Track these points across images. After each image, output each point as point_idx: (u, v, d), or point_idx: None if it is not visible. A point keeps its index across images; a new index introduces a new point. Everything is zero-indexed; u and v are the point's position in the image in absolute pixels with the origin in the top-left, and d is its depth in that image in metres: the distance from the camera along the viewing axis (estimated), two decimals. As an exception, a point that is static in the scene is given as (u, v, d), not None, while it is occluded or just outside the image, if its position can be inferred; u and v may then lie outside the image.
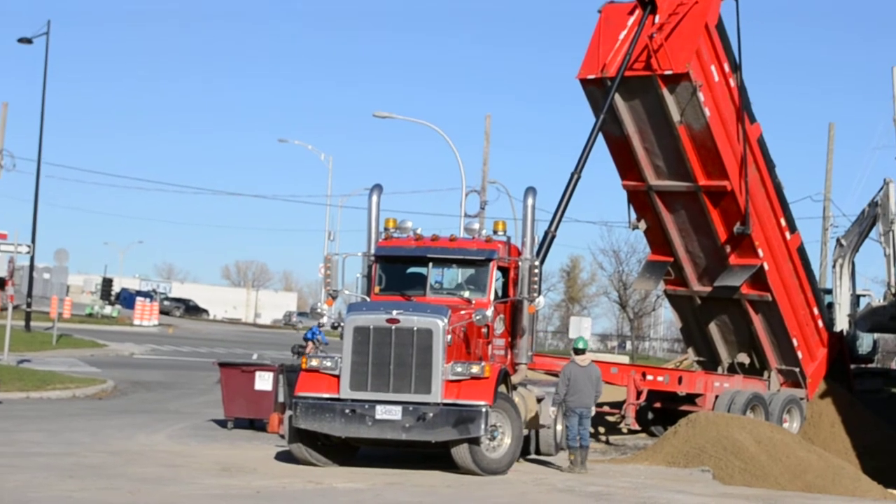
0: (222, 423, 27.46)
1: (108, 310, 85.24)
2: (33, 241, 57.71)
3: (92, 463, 20.18)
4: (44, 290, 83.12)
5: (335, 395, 20.21)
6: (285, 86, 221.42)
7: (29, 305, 59.13)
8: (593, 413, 22.20)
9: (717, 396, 30.24)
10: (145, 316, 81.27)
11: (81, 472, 18.85)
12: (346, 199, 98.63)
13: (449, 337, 20.07)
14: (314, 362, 20.58)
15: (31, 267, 61.63)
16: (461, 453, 20.01)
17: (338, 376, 20.29)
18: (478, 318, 20.89)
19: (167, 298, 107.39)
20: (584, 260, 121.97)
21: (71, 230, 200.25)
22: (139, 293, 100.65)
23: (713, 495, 20.00)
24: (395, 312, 20.20)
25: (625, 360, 54.71)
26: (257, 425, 26.57)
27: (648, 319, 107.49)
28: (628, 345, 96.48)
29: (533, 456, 23.78)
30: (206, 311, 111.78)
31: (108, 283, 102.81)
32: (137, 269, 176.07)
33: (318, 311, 23.69)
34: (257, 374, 26.43)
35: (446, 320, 20.13)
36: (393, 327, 20.05)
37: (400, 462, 21.44)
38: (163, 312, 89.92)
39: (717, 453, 23.65)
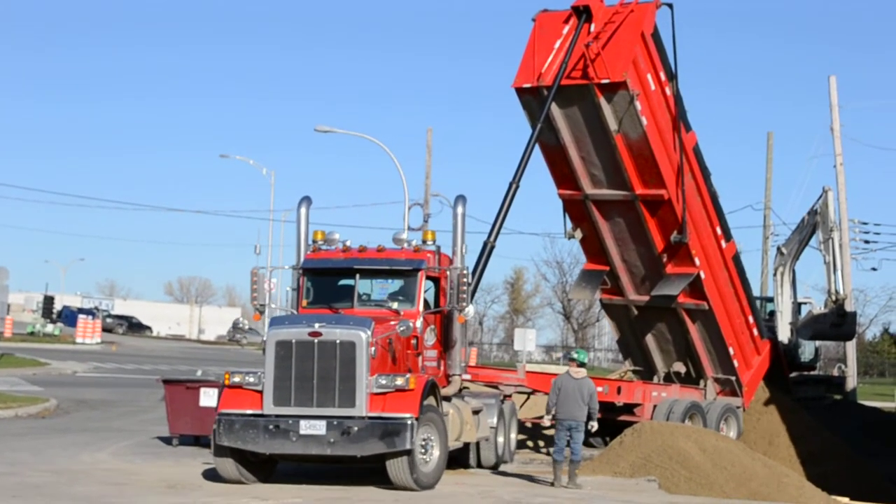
0: (167, 441, 27.37)
1: (49, 328, 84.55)
2: (-29, 259, 57.30)
3: (36, 482, 20.05)
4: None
5: (258, 411, 19.85)
6: (226, 101, 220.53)
7: (-31, 325, 58.69)
8: (594, 427, 21.67)
9: (655, 406, 30.34)
10: (88, 334, 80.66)
11: (25, 492, 18.72)
12: (287, 213, 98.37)
13: (373, 349, 19.74)
14: (237, 378, 20.19)
15: (-29, 285, 61.12)
16: (398, 467, 19.65)
17: (261, 392, 19.93)
18: (402, 329, 20.56)
19: (110, 316, 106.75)
20: (527, 271, 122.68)
21: (11, 248, 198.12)
22: (81, 311, 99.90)
23: (658, 504, 19.93)
24: (317, 325, 19.83)
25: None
26: (203, 442, 26.44)
27: (593, 330, 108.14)
28: (565, 355, 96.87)
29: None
30: (149, 328, 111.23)
31: (49, 300, 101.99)
32: (79, 286, 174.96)
33: (240, 325, 23.47)
34: (202, 390, 26.32)
35: (369, 332, 19.78)
36: (315, 340, 19.70)
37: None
38: (105, 330, 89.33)
39: (662, 462, 23.62)
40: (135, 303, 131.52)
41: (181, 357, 72.18)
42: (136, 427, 31.58)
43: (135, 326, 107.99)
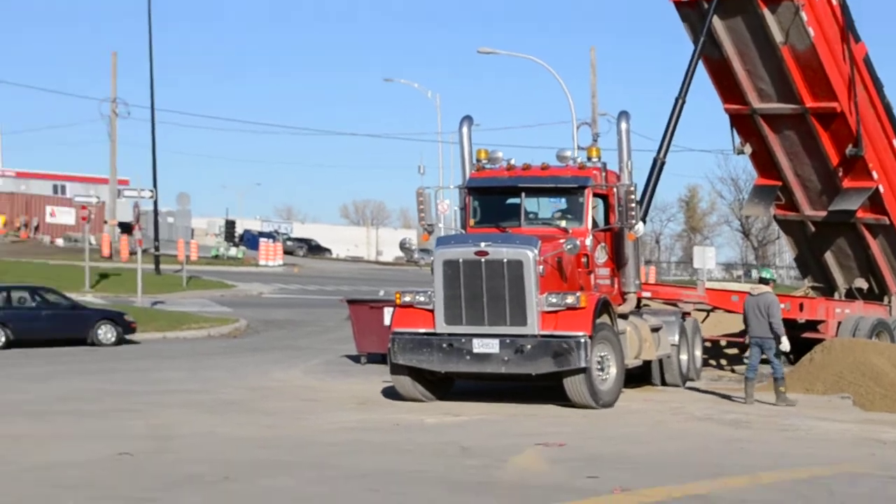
0: (355, 359, 28.23)
1: (233, 251, 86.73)
2: (154, 186, 59.12)
3: (230, 399, 21.05)
4: (169, 233, 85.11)
5: (431, 330, 20.11)
6: (391, 25, 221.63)
7: (157, 249, 60.57)
8: (785, 347, 21.53)
9: (839, 323, 29.73)
10: (270, 256, 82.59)
11: (221, 408, 19.70)
12: (452, 135, 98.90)
13: (541, 268, 19.76)
14: (408, 297, 20.46)
15: (156, 211, 63.04)
16: (575, 385, 19.75)
17: (432, 311, 20.16)
18: (569, 247, 20.43)
19: (290, 239, 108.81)
20: (702, 189, 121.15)
21: (190, 175, 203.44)
22: (262, 234, 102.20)
23: (856, 421, 19.81)
24: (483, 245, 19.92)
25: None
26: (390, 360, 27.22)
27: (773, 248, 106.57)
28: (754, 273, 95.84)
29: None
30: (328, 251, 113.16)
31: (231, 225, 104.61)
32: (257, 210, 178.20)
33: (407, 246, 23.66)
34: (385, 309, 26.92)
35: (536, 251, 19.78)
36: (482, 260, 19.79)
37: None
38: (286, 252, 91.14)
39: (856, 380, 23.01)
40: (312, 226, 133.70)
41: (361, 278, 73.57)
42: (324, 346, 32.64)
43: (314, 249, 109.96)
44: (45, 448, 15.21)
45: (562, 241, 20.71)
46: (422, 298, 20.42)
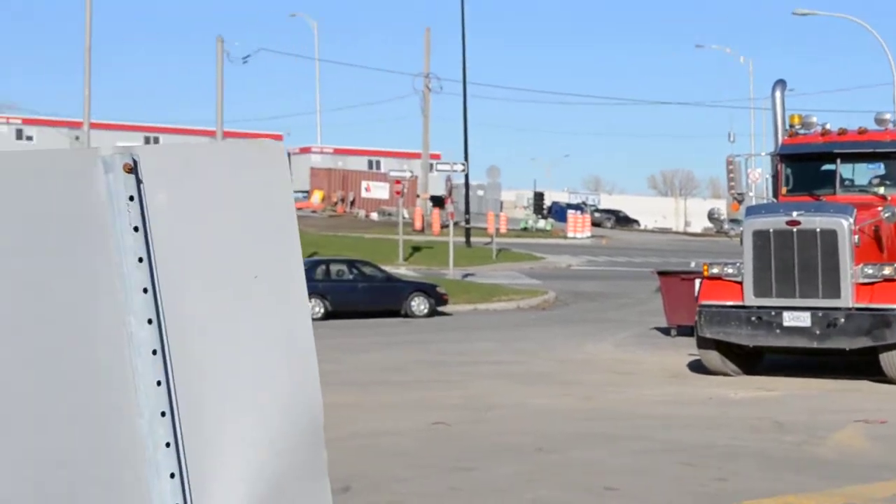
0: (665, 331, 28.10)
1: (541, 223, 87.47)
2: (466, 159, 60.11)
3: (542, 370, 21.31)
4: (479, 206, 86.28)
5: (739, 303, 19.72)
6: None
7: (468, 222, 61.65)
8: None
9: None
10: (578, 228, 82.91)
11: (533, 380, 19.98)
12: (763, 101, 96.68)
13: (856, 237, 19.13)
14: (715, 269, 20.18)
15: (467, 185, 64.12)
16: (894, 361, 18.98)
17: (740, 283, 19.75)
18: (887, 215, 19.76)
19: (597, 210, 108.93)
20: None
21: (499, 147, 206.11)
22: (569, 206, 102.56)
23: None
24: (795, 214, 19.40)
25: None
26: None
27: None
28: None
29: None
30: (636, 222, 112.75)
31: (539, 197, 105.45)
32: (564, 182, 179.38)
33: (716, 216, 23.01)
34: (696, 281, 26.70)
35: (851, 219, 19.18)
36: (794, 230, 19.27)
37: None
38: (594, 224, 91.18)
39: None
40: (619, 197, 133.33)
41: (669, 249, 73.06)
42: (634, 318, 32.55)
43: (622, 220, 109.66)
44: (365, 417, 15.70)
45: (879, 209, 20.08)
46: (730, 270, 20.08)
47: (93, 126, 57.82)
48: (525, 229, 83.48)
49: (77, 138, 74.15)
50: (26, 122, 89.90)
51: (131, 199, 2.59)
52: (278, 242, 2.72)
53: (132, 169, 2.58)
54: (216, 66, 56.18)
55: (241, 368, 2.69)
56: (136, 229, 2.60)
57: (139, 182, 2.60)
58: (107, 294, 2.59)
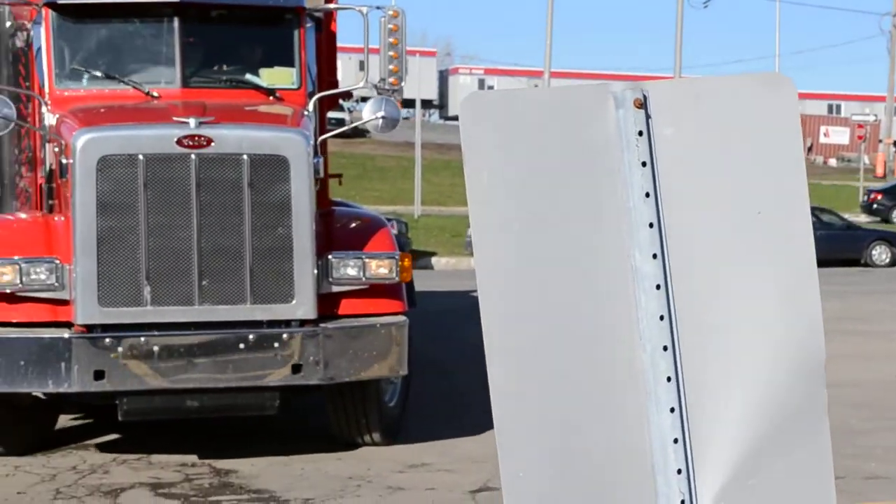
0: None
1: None
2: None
3: None
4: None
5: None
6: None
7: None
8: None
9: None
10: None
11: None
12: None
13: None
14: None
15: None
16: None
17: None
18: None
19: None
20: None
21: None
22: None
23: None
24: None
25: None
26: None
27: None
28: None
29: None
30: None
31: None
32: None
33: None
34: None
35: None
36: None
37: None
38: None
39: None
40: None
41: None
42: None
43: None
44: (835, 367, 15.27)
45: None
46: None
47: (553, 75, 58.97)
48: None
49: (536, 87, 75.88)
50: (488, 72, 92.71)
51: (640, 134, 2.62)
52: (784, 179, 2.68)
53: (642, 104, 2.60)
54: (676, 11, 55.96)
55: (741, 306, 2.68)
56: (643, 164, 2.62)
57: (648, 117, 2.62)
58: (612, 228, 2.63)
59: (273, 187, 9.03)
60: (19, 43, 10.58)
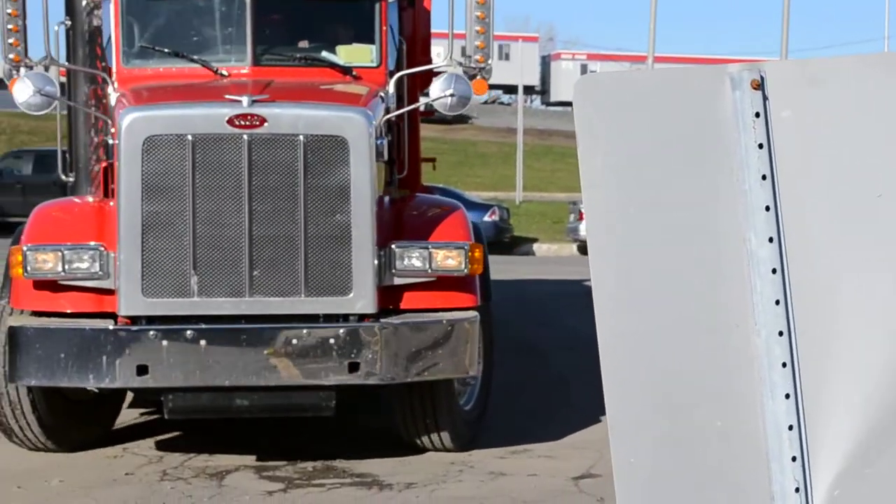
0: None
1: None
2: None
3: None
4: None
5: None
6: None
7: None
8: None
9: None
10: None
11: None
12: None
13: None
14: None
15: None
16: None
17: None
18: None
19: None
20: None
21: None
22: None
23: None
24: None
25: None
26: None
27: None
28: None
29: None
30: None
31: None
32: None
33: None
34: None
35: None
36: None
37: None
38: None
39: None
40: None
41: None
42: None
43: None
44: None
45: None
46: None
47: (657, 60, 58.34)
48: None
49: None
50: (590, 57, 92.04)
51: (757, 115, 2.57)
52: (906, 161, 2.61)
53: (759, 85, 2.56)
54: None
55: (860, 290, 2.62)
56: (760, 146, 2.58)
57: (765, 98, 2.58)
58: (727, 210, 2.60)
59: (331, 170, 8.42)
60: (96, 22, 10.10)
